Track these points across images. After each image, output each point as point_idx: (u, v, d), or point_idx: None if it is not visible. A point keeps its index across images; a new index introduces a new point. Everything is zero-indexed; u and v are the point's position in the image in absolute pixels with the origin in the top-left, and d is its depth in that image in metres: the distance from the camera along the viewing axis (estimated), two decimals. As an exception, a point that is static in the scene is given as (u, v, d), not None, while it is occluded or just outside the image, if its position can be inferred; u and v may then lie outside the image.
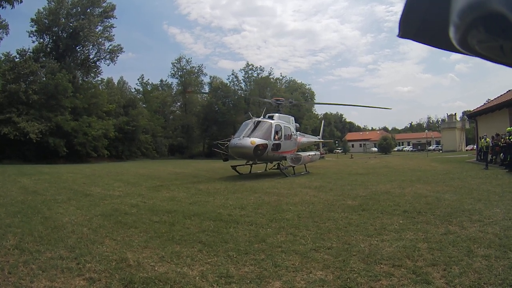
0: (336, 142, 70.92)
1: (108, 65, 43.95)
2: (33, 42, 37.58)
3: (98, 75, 42.77)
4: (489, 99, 28.32)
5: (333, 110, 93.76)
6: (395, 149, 71.17)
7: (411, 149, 76.53)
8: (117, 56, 42.40)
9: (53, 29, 37.43)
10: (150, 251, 4.15)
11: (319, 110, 70.19)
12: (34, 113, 31.28)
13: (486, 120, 22.07)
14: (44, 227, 5.33)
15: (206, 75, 60.35)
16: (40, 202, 7.66)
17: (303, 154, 15.78)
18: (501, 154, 15.28)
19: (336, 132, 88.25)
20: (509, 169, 13.50)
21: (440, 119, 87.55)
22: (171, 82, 60.21)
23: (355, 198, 7.81)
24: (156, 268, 3.56)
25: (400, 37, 0.76)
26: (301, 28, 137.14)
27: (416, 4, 0.70)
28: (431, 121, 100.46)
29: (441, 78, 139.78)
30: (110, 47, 41.57)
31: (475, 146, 29.25)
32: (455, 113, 62.76)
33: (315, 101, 62.47)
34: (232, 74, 56.90)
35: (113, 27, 41.34)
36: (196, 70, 57.77)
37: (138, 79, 58.85)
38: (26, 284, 3.23)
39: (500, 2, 0.51)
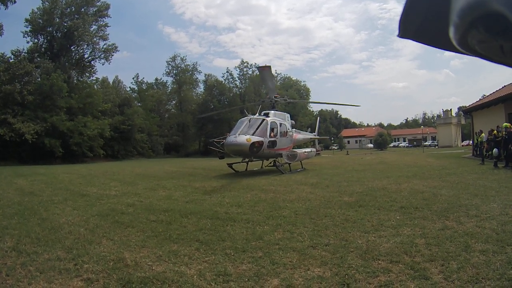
0: (332, 138, 71.02)
1: (103, 65, 43.87)
2: (28, 42, 37.35)
3: (93, 74, 42.77)
4: (484, 95, 28.53)
5: (328, 106, 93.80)
6: (391, 145, 71.51)
7: (407, 145, 76.90)
8: (112, 55, 42.40)
9: (48, 29, 37.19)
10: (148, 250, 4.13)
11: (315, 107, 70.10)
12: (29, 113, 31.08)
13: (482, 116, 22.18)
14: (41, 228, 5.30)
15: (201, 72, 60.32)
16: (36, 203, 7.61)
17: (299, 151, 15.78)
18: (495, 149, 15.32)
19: (332, 128, 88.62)
20: (495, 165, 13.59)
21: (435, 115, 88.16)
22: (166, 81, 60.21)
23: (351, 195, 7.82)
24: (153, 268, 3.55)
25: (400, 37, 0.75)
26: (295, 26, 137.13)
27: (416, 4, 0.70)
28: (426, 116, 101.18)
29: (436, 74, 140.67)
30: (104, 46, 41.51)
31: (471, 142, 29.42)
32: (451, 109, 63.54)
33: (310, 99, 62.73)
34: (227, 71, 56.89)
35: (108, 26, 41.29)
36: (190, 68, 57.66)
37: (133, 78, 58.53)
38: (24, 286, 3.21)
39: (500, 2, 0.51)
